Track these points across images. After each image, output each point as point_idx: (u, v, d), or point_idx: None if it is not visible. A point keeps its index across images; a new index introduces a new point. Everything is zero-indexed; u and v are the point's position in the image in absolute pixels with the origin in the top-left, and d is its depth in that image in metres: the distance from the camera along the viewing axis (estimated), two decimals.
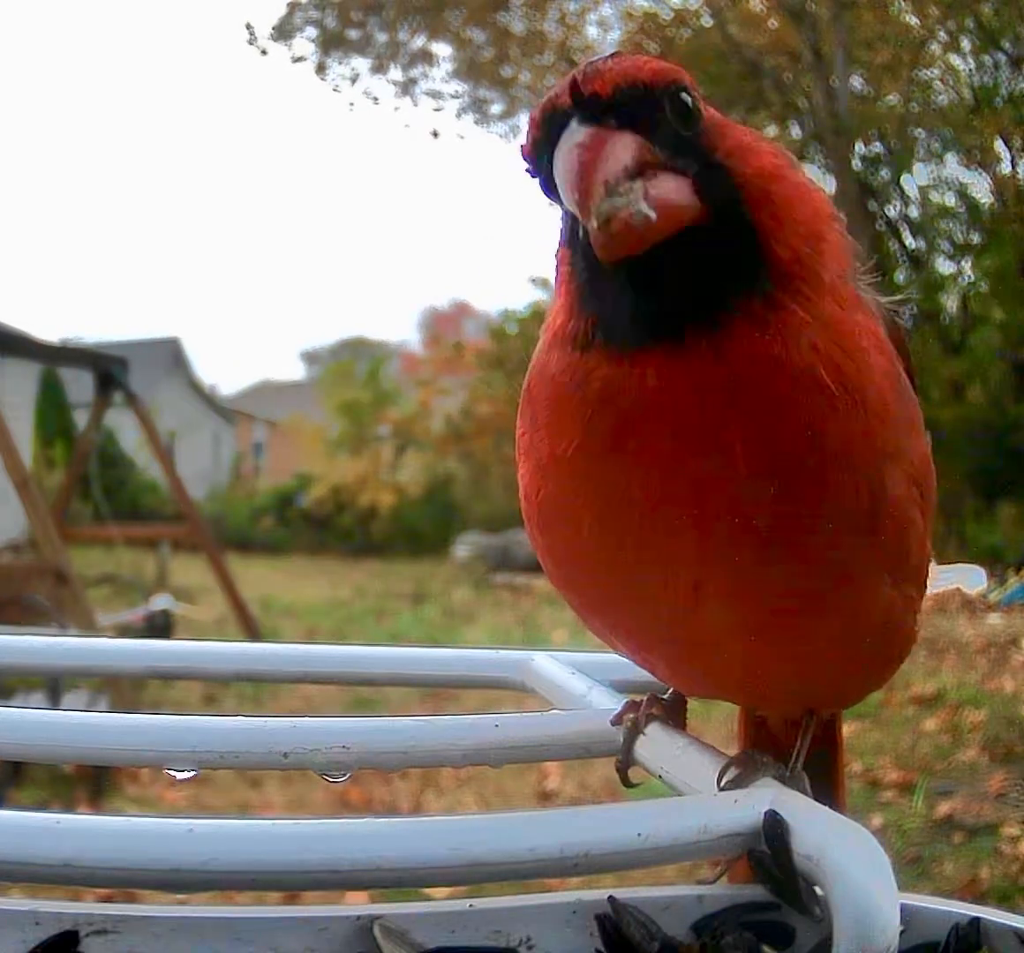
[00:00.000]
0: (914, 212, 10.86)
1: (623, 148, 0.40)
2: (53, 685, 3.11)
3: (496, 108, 11.67)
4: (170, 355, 18.72)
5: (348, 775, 0.51)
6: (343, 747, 0.49)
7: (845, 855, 0.37)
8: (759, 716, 0.58)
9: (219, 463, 18.42)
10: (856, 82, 10.23)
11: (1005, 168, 10.06)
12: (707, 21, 10.66)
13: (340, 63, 11.65)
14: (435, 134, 11.81)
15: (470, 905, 0.42)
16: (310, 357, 26.25)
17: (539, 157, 0.43)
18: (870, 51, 10.01)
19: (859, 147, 10.46)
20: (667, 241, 0.40)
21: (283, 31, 11.43)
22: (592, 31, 11.36)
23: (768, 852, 0.39)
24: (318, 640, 5.39)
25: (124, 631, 4.62)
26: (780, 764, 0.48)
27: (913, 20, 10.12)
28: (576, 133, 0.40)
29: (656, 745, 0.51)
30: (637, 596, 0.46)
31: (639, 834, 0.37)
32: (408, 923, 0.41)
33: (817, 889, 0.38)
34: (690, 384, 0.42)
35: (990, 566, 6.90)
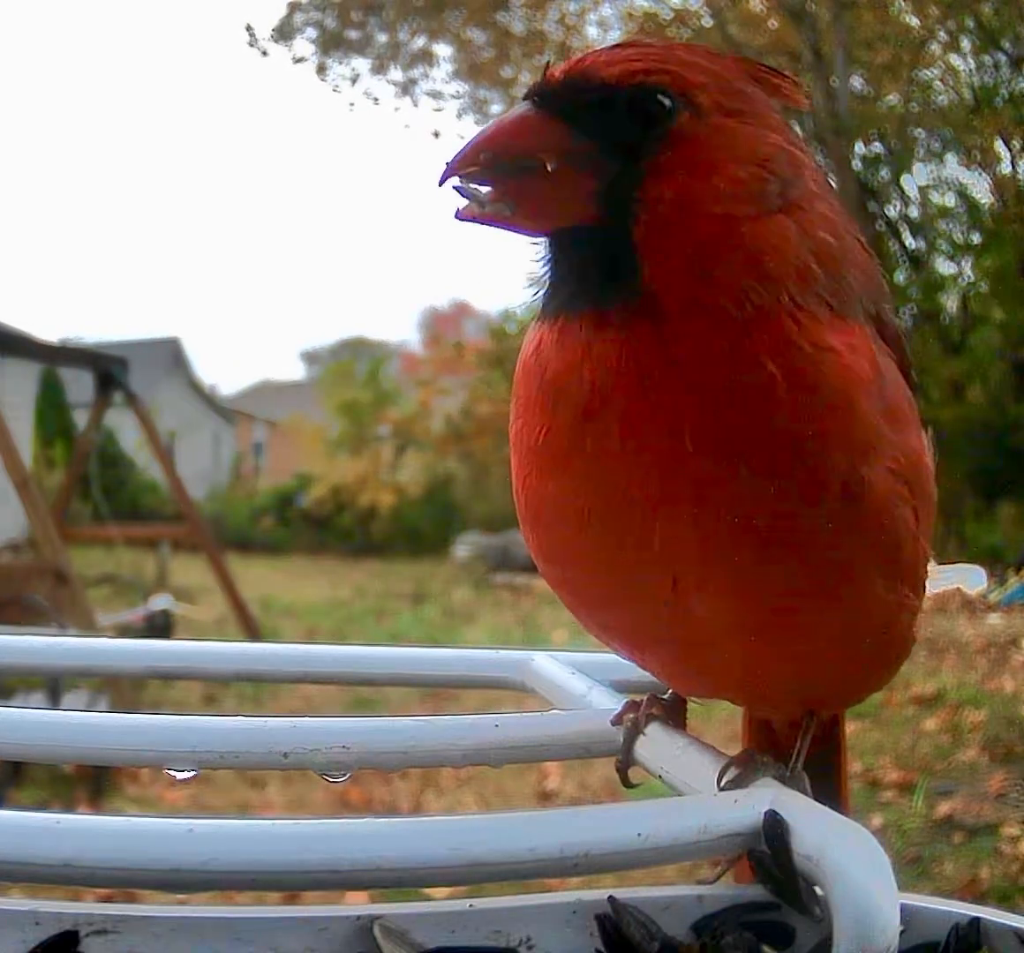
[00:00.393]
0: (914, 212, 10.86)
1: (523, 130, 0.43)
2: (53, 685, 3.11)
3: (496, 108, 11.66)
4: (170, 355, 18.72)
5: (348, 775, 0.51)
6: (343, 747, 0.49)
7: (845, 855, 0.37)
8: (761, 716, 0.58)
9: (219, 463, 18.42)
10: (856, 82, 10.23)
11: (1005, 168, 10.07)
12: (707, 21, 10.65)
13: (340, 63, 11.66)
14: (436, 135, 11.80)
15: (470, 905, 0.42)
16: (310, 357, 26.26)
17: None
18: (870, 51, 10.01)
19: (859, 147, 10.46)
20: (563, 236, 0.44)
21: (283, 32, 11.44)
22: (592, 31, 11.36)
23: (768, 852, 0.39)
24: (318, 640, 5.39)
25: (124, 631, 4.62)
26: (780, 764, 0.48)
27: (913, 20, 10.13)
28: (514, 109, 0.44)
29: (656, 745, 0.51)
30: (621, 593, 0.46)
31: (639, 834, 0.37)
32: (408, 923, 0.41)
33: (817, 889, 0.38)
34: (605, 366, 0.43)
35: (990, 566, 6.90)
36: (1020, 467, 8.60)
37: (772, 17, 10.54)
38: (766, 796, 0.40)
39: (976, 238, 10.44)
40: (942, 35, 10.12)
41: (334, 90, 12.59)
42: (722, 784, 0.46)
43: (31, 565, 4.63)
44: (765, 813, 0.39)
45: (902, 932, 0.36)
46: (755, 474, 0.42)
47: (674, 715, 0.54)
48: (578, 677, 0.60)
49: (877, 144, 10.69)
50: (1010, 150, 9.93)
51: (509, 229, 0.44)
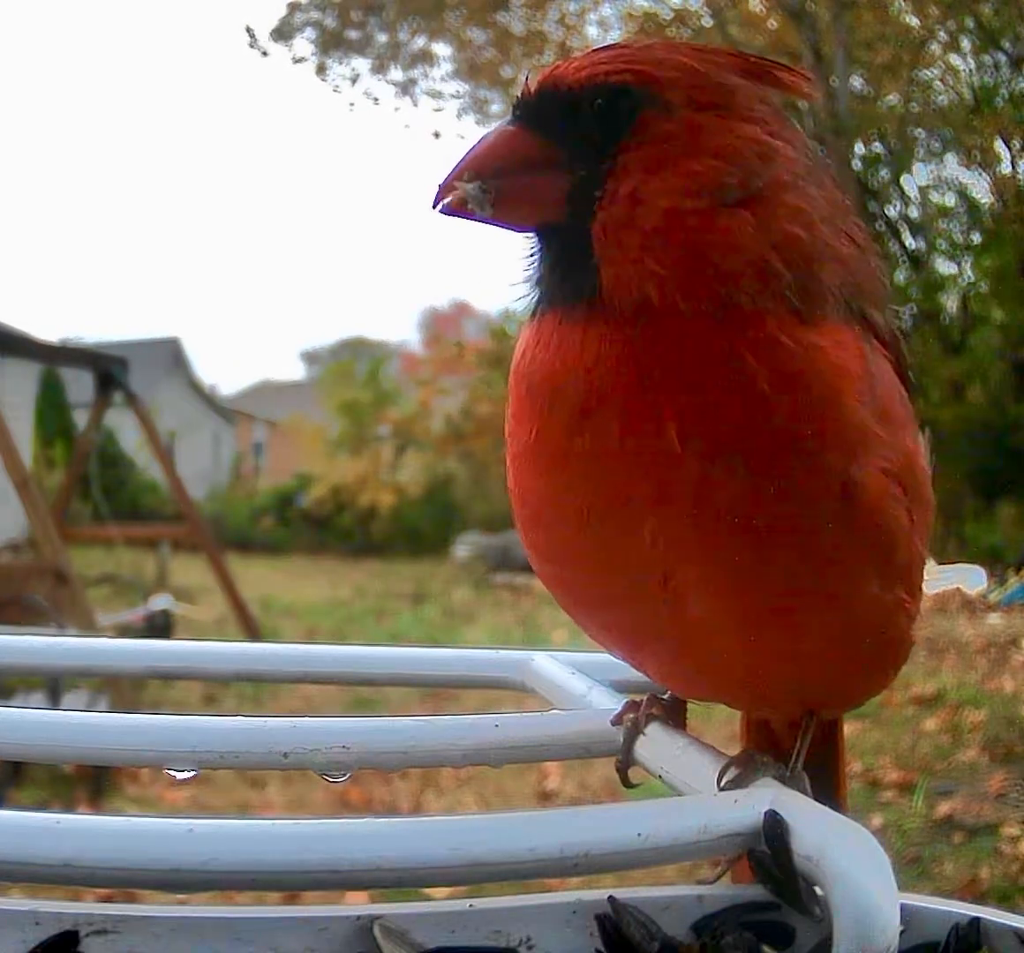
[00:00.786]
0: (914, 212, 10.86)
1: (502, 147, 0.46)
2: (53, 685, 3.11)
3: (496, 108, 11.67)
4: (170, 355, 18.73)
5: (348, 775, 0.51)
6: (343, 747, 0.49)
7: (845, 855, 0.37)
8: (761, 717, 0.58)
9: (219, 463, 18.42)
10: (856, 82, 10.23)
11: (1005, 168, 10.08)
12: (707, 21, 10.66)
13: (340, 63, 11.66)
14: (437, 135, 11.81)
15: (470, 905, 0.42)
16: (310, 357, 26.27)
17: None
18: (870, 51, 10.01)
19: (859, 147, 10.46)
20: (538, 234, 0.47)
21: (283, 32, 11.44)
22: (592, 31, 11.36)
23: (768, 852, 0.39)
24: (318, 640, 5.39)
25: (124, 631, 4.62)
26: (780, 764, 0.48)
27: (913, 20, 10.13)
28: (497, 126, 0.48)
29: (656, 745, 0.51)
30: (617, 592, 0.46)
31: (639, 834, 0.37)
32: (408, 923, 0.41)
33: (817, 889, 0.38)
34: (585, 363, 0.44)
35: (990, 566, 6.91)
36: (1020, 467, 8.60)
37: (772, 17, 10.55)
38: (766, 796, 0.40)
39: (976, 238, 10.44)
40: (942, 35, 10.12)
41: (334, 90, 12.60)
42: (722, 784, 0.46)
43: (31, 565, 4.63)
44: (765, 813, 0.39)
45: (902, 932, 0.36)
46: (737, 471, 0.42)
47: (674, 715, 0.54)
48: (578, 677, 0.60)
49: (877, 144, 10.70)
50: (1010, 150, 9.94)
51: (490, 224, 0.47)
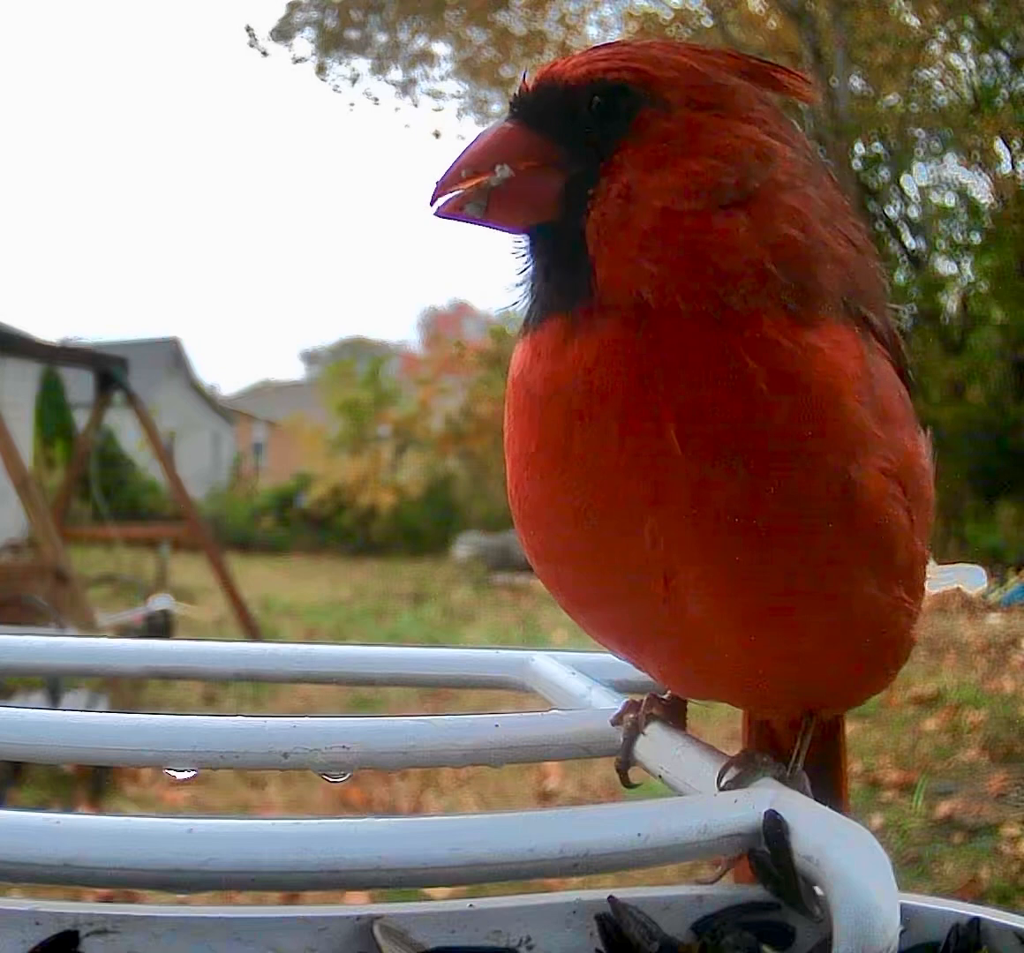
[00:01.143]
0: (914, 212, 10.86)
1: (497, 149, 0.45)
2: (53, 685, 3.11)
3: (496, 108, 11.66)
4: (170, 355, 18.72)
5: (348, 775, 0.51)
6: (343, 747, 0.49)
7: (845, 855, 0.37)
8: (761, 717, 0.58)
9: (219, 463, 18.42)
10: (856, 82, 10.23)
11: (1005, 168, 10.07)
12: (707, 21, 10.65)
13: (340, 63, 11.65)
14: (437, 134, 11.79)
15: (470, 905, 0.42)
16: (310, 357, 26.30)
17: None
18: (870, 51, 10.01)
19: (859, 147, 10.46)
20: (532, 233, 0.47)
21: (283, 32, 11.43)
22: (592, 31, 11.35)
23: (768, 852, 0.39)
24: (318, 640, 5.38)
25: (124, 631, 4.62)
26: (780, 764, 0.48)
27: (913, 20, 10.13)
28: (493, 124, 0.47)
29: (656, 745, 0.51)
30: (617, 593, 0.46)
31: (639, 834, 0.37)
32: (408, 923, 0.41)
33: (817, 889, 0.38)
34: (576, 372, 0.44)
35: (990, 566, 6.90)
36: (1020, 467, 8.60)
37: (772, 17, 10.54)
38: (766, 796, 0.40)
39: (976, 238, 10.44)
40: (942, 35, 10.12)
41: (334, 90, 12.60)
42: (722, 784, 0.46)
43: (31, 565, 4.62)
44: (765, 813, 0.39)
45: (902, 932, 0.36)
46: (738, 471, 0.42)
47: (674, 715, 0.54)
48: (578, 677, 0.60)
49: (877, 144, 10.69)
50: (1010, 150, 9.94)
51: (484, 226, 0.46)
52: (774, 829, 0.38)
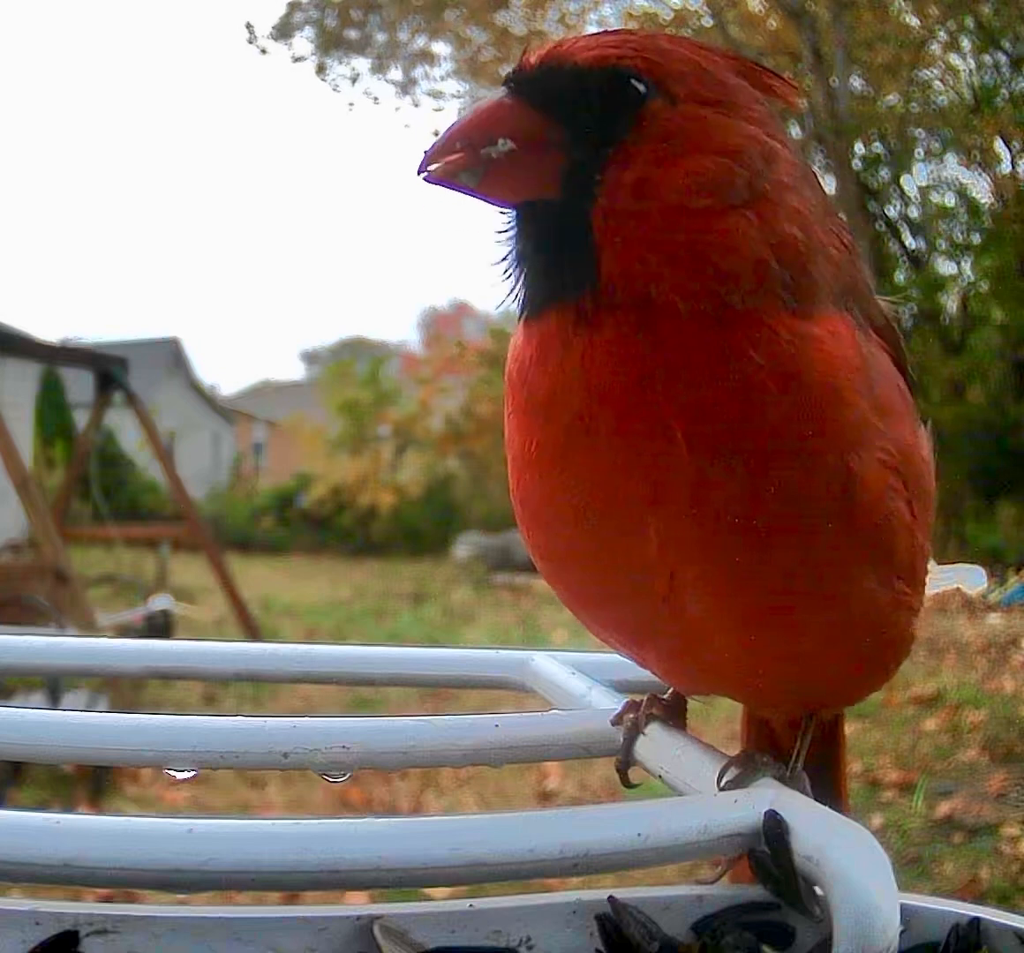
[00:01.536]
0: (914, 212, 10.86)
1: (498, 122, 0.44)
2: (53, 685, 3.11)
3: None
4: (170, 355, 18.72)
5: (348, 775, 0.51)
6: (343, 747, 0.49)
7: (845, 855, 0.37)
8: (761, 716, 0.58)
9: (219, 463, 18.42)
10: (856, 82, 10.23)
11: (1005, 168, 10.07)
12: (707, 21, 10.65)
13: (340, 63, 11.65)
14: (437, 134, 11.76)
15: (470, 905, 0.42)
16: (310, 357, 26.31)
17: None
18: (870, 51, 10.01)
19: (859, 147, 10.46)
20: (526, 213, 0.45)
21: (283, 31, 11.43)
22: (592, 31, 11.35)
23: (768, 852, 0.39)
24: (318, 640, 5.38)
25: (124, 631, 4.62)
26: (780, 764, 0.48)
27: (913, 20, 10.13)
28: (490, 96, 0.45)
29: (656, 745, 0.51)
30: (619, 591, 0.46)
31: (639, 834, 0.37)
32: (408, 923, 0.41)
33: (817, 889, 0.38)
34: (573, 364, 0.43)
35: (990, 566, 6.90)
36: (1020, 467, 8.60)
37: (772, 17, 10.54)
38: (766, 796, 0.40)
39: (976, 238, 10.43)
40: (942, 35, 10.11)
41: (334, 89, 12.59)
42: (722, 784, 0.46)
43: (31, 565, 4.62)
44: (765, 813, 0.39)
45: (902, 932, 0.36)
46: (742, 469, 0.42)
47: (674, 715, 0.54)
48: (578, 677, 0.60)
49: (877, 144, 10.69)
50: (1010, 150, 9.93)
51: (474, 196, 0.45)
52: (774, 829, 0.38)
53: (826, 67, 9.55)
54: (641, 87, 0.43)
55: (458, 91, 11.70)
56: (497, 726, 0.52)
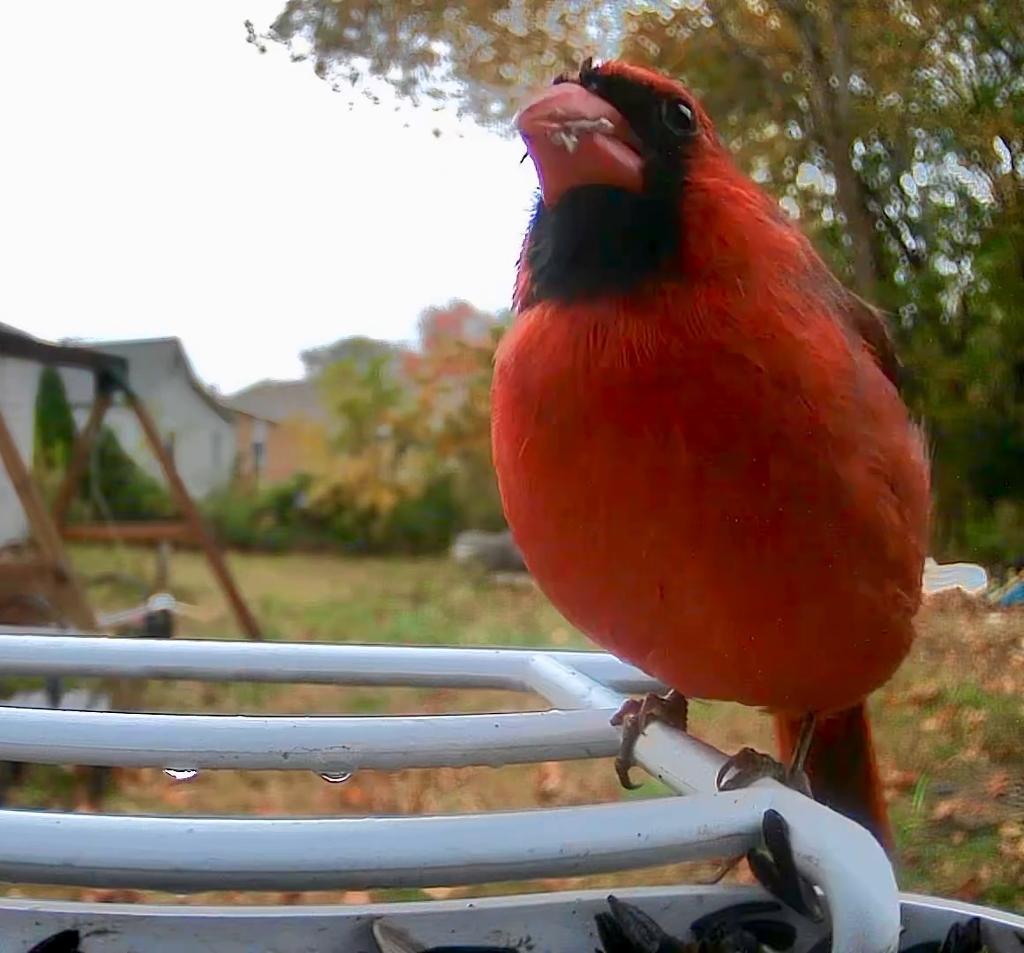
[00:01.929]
0: (914, 212, 10.85)
1: (590, 103, 0.45)
2: (53, 685, 3.11)
3: (496, 108, 11.67)
4: (170, 355, 18.72)
5: (348, 775, 0.51)
6: (343, 747, 0.49)
7: (845, 855, 0.37)
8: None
9: (219, 463, 18.42)
10: (856, 82, 10.22)
11: (1005, 168, 10.06)
12: (707, 21, 10.64)
13: (340, 63, 11.65)
14: (437, 133, 11.79)
15: (470, 905, 0.42)
16: (310, 357, 26.30)
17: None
18: (870, 51, 10.00)
19: (859, 147, 10.46)
20: (600, 198, 0.45)
21: (282, 30, 11.43)
22: (592, 31, 11.35)
23: (768, 852, 0.39)
24: (318, 640, 5.38)
25: (124, 631, 4.62)
26: (780, 764, 0.48)
27: (913, 20, 10.12)
28: (566, 84, 0.46)
29: (656, 745, 0.51)
30: (614, 601, 0.46)
31: (639, 834, 0.37)
32: (408, 923, 0.41)
33: (817, 889, 0.38)
34: (607, 360, 0.43)
35: (990, 566, 6.90)
36: (1020, 467, 8.60)
37: (772, 17, 10.53)
38: (766, 796, 0.40)
39: (976, 238, 10.43)
40: (942, 35, 10.11)
41: (334, 89, 12.58)
42: (722, 784, 0.46)
43: (31, 565, 4.62)
44: (765, 813, 0.39)
45: (902, 932, 0.36)
46: (738, 471, 0.43)
47: (674, 715, 0.54)
48: (578, 677, 0.60)
49: (877, 144, 10.69)
50: (1010, 150, 9.92)
51: (552, 162, 0.44)
52: (774, 829, 0.38)
53: (826, 67, 9.55)
54: (688, 112, 0.47)
55: (458, 91, 11.70)
56: (497, 726, 0.52)
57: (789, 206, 10.19)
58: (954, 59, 10.22)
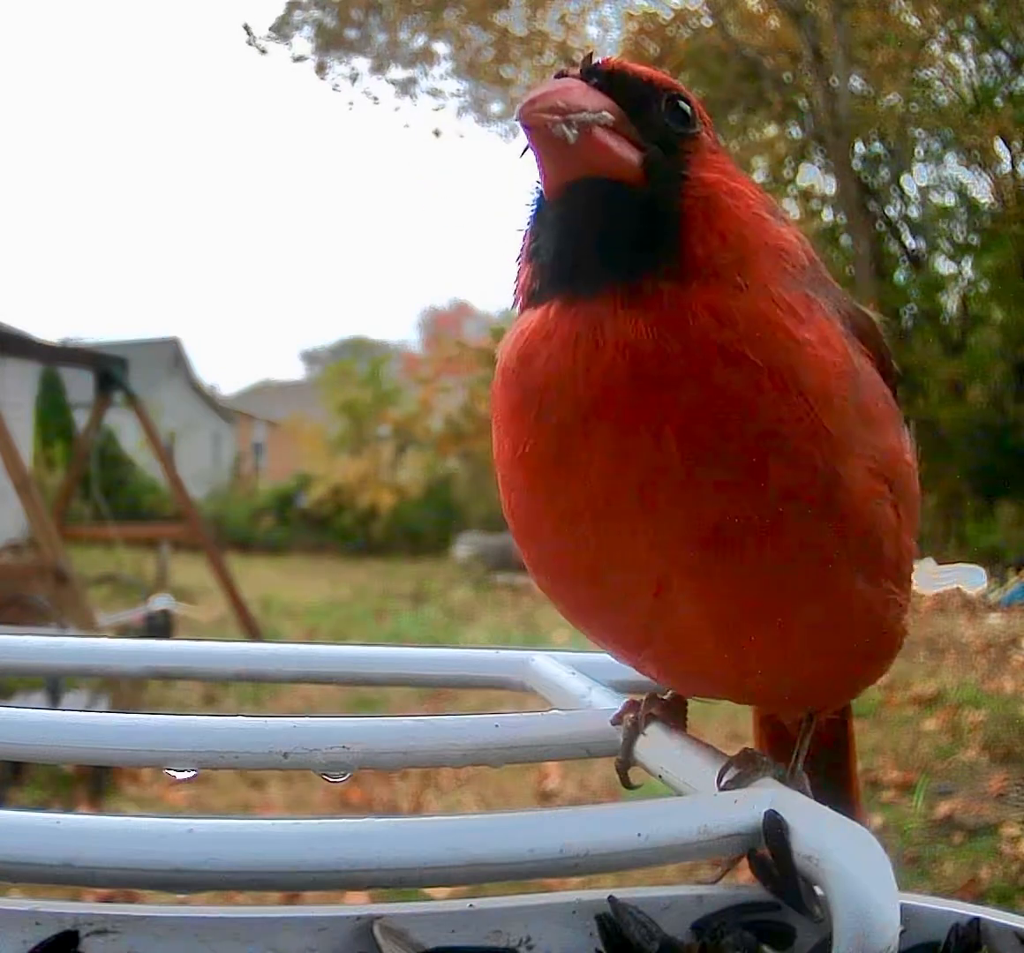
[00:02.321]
0: (914, 212, 10.85)
1: (592, 97, 0.44)
2: (53, 685, 3.11)
3: (496, 108, 11.67)
4: (170, 355, 18.72)
5: (348, 775, 0.51)
6: (343, 747, 0.49)
7: (845, 855, 0.37)
8: (772, 715, 0.58)
9: (219, 463, 18.41)
10: (856, 82, 10.22)
11: (1005, 168, 10.06)
12: (707, 21, 10.64)
13: (340, 63, 11.64)
14: (437, 132, 11.78)
15: (470, 905, 0.42)
16: (310, 357, 26.30)
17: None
18: (870, 51, 10.00)
19: (859, 147, 10.46)
20: (601, 192, 0.44)
21: (282, 30, 11.43)
22: (592, 31, 11.34)
23: (768, 852, 0.39)
24: (318, 640, 5.38)
25: (124, 631, 4.63)
26: (780, 764, 0.48)
27: (913, 20, 10.11)
28: (566, 79, 0.46)
29: (656, 745, 0.51)
30: (613, 597, 0.47)
31: (639, 834, 0.37)
32: (408, 923, 0.41)
33: (817, 889, 0.38)
34: (606, 359, 0.43)
35: (990, 566, 6.89)
36: (1020, 467, 8.60)
37: (772, 17, 10.53)
38: (766, 796, 0.40)
39: (976, 238, 10.43)
40: (942, 35, 10.11)
41: (334, 89, 12.57)
42: (722, 784, 0.46)
43: (31, 565, 4.62)
44: (765, 813, 0.39)
45: (902, 932, 0.36)
46: (733, 471, 0.43)
47: (674, 715, 0.54)
48: (578, 677, 0.60)
49: (877, 144, 10.69)
50: (1010, 150, 9.92)
51: (548, 156, 0.44)
52: (774, 829, 0.38)
53: (826, 67, 9.55)
54: (688, 108, 0.47)
55: (458, 90, 11.70)
56: (497, 726, 0.52)
57: (789, 206, 10.18)
58: (954, 59, 10.22)
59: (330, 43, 11.53)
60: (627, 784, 0.53)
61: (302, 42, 11.51)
